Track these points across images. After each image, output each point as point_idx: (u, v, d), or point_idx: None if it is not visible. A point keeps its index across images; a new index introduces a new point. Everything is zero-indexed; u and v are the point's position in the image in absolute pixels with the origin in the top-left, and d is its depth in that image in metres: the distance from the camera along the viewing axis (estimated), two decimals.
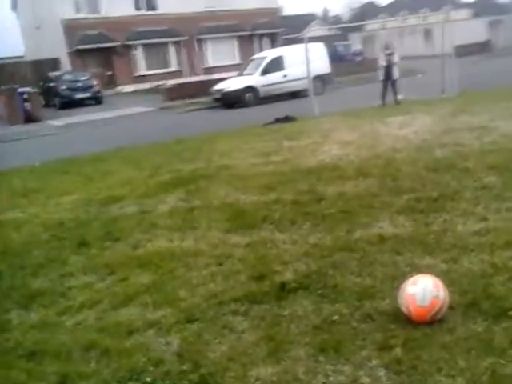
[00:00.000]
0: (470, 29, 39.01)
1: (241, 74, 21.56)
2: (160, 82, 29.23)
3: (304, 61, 14.69)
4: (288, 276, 3.56)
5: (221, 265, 3.94)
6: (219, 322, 3.09)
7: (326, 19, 74.07)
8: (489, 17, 44.27)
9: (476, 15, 50.36)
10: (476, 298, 2.96)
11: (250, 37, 36.35)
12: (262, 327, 2.98)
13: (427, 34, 42.28)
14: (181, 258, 4.17)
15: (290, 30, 36.93)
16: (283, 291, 3.36)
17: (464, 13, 60.56)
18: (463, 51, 28.35)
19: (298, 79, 18.59)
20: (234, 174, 6.92)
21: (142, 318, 3.25)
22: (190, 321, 3.15)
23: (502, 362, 2.42)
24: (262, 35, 36.53)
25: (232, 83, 20.36)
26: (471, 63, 25.12)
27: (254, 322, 3.05)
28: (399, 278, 3.28)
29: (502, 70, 21.03)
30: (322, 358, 2.61)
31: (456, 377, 2.35)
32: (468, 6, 69.84)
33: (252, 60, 22.49)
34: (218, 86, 20.78)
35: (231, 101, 19.36)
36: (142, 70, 32.47)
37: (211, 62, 35.02)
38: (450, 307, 2.88)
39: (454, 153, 6.51)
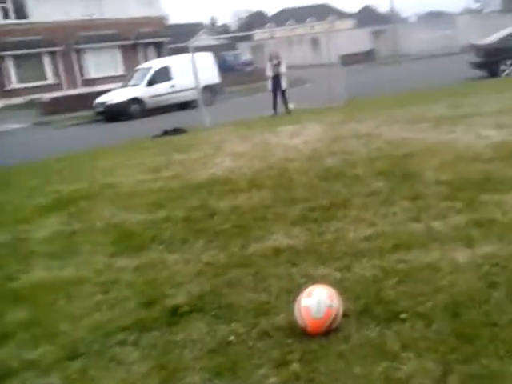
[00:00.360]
0: (354, 38, 41.68)
1: (125, 86, 21.18)
2: (35, 96, 27.79)
3: (192, 71, 14.76)
4: (180, 299, 3.50)
5: (106, 292, 3.78)
6: (106, 355, 2.95)
7: (213, 28, 75.24)
8: (372, 27, 47.60)
9: (360, 25, 53.96)
10: (368, 303, 3.11)
11: (134, 46, 35.85)
12: (154, 356, 2.89)
13: (314, 43, 44.48)
14: (61, 287, 3.94)
15: (177, 39, 36.99)
16: (175, 315, 3.29)
17: (348, 23, 64.64)
18: (348, 60, 30.25)
19: (187, 90, 18.64)
20: (119, 193, 6.72)
21: (18, 359, 3.01)
22: (72, 357, 2.97)
23: (395, 365, 2.55)
24: (146, 44, 36.19)
25: (116, 95, 19.91)
26: (357, 72, 26.79)
27: (144, 352, 2.95)
28: (294, 290, 3.35)
29: (385, 77, 22.72)
30: (217, 382, 2.58)
31: None
32: (352, 16, 74.79)
33: (137, 70, 22.20)
34: (100, 99, 20.20)
35: (116, 114, 18.89)
36: (14, 83, 30.65)
37: (92, 73, 33.98)
38: (345, 315, 3.00)
39: (343, 161, 6.86)
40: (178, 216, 5.33)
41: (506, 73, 16.75)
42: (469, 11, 58.53)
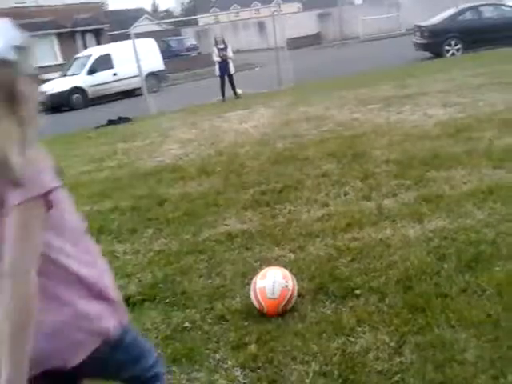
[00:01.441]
0: (300, 22, 41.92)
1: (65, 75, 20.58)
2: None
3: (135, 58, 14.49)
4: (132, 289, 3.47)
5: None
6: None
7: (155, 14, 73.94)
8: (318, 9, 47.97)
9: (305, 8, 54.29)
10: (323, 282, 3.18)
11: (72, 34, 34.78)
12: None
13: (261, 27, 44.46)
14: None
15: (117, 25, 36.11)
16: (128, 306, 3.24)
17: (294, 6, 64.87)
18: (296, 44, 30.47)
19: (130, 77, 18.34)
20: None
21: None
22: None
23: (351, 339, 2.63)
24: (85, 32, 35.18)
25: (55, 85, 19.31)
26: (304, 55, 27.01)
27: None
28: (249, 273, 3.39)
29: (333, 60, 23.00)
30: (175, 369, 2.59)
31: (310, 362, 2.50)
32: None
33: (76, 59, 21.60)
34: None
35: (56, 104, 18.32)
36: None
37: None
38: (300, 295, 3.06)
39: (293, 144, 6.94)
40: (125, 205, 5.26)
41: (450, 53, 17.27)
42: None
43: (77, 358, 1.38)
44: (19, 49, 1.25)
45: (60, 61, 32.49)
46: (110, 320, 1.45)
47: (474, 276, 2.98)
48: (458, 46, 17.22)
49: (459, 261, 3.17)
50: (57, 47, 34.32)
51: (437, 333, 2.55)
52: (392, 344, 2.54)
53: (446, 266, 3.15)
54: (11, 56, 1.23)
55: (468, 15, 17.95)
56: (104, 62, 19.88)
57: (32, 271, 1.22)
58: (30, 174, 1.21)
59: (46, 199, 1.26)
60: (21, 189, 1.20)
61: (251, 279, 3.15)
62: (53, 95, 18.62)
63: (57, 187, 1.29)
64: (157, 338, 2.88)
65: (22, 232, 1.21)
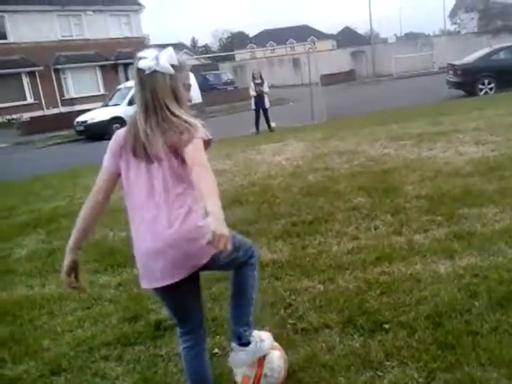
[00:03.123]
0: (334, 59, 42.38)
1: (106, 105, 21.17)
2: (14, 116, 27.62)
3: None
4: (164, 313, 3.49)
5: (89, 308, 3.77)
6: (89, 371, 2.94)
7: (194, 49, 75.85)
8: (352, 47, 48.46)
9: (340, 46, 54.83)
10: (352, 314, 3.15)
11: (115, 66, 35.96)
12: (138, 370, 2.89)
13: (295, 63, 45.09)
14: (43, 304, 3.92)
15: None
16: (159, 330, 3.30)
17: (328, 43, 65.69)
18: (330, 80, 30.75)
19: None
20: None
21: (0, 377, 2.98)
22: (55, 373, 2.96)
23: (380, 373, 2.59)
24: (127, 64, 36.30)
25: (97, 114, 19.90)
26: (338, 91, 27.19)
27: (128, 366, 2.95)
28: (279, 303, 3.39)
29: (366, 97, 23.08)
30: None
31: None
32: (332, 37, 76.03)
33: (118, 90, 22.21)
34: (81, 118, 20.16)
35: (96, 132, 18.87)
36: None
37: (72, 92, 33.97)
38: (329, 327, 3.04)
39: (325, 177, 6.95)
40: None
41: (483, 92, 17.16)
42: (446, 33, 59.97)
43: (207, 257, 2.09)
44: (175, 66, 2.07)
45: (102, 91, 33.56)
46: None
47: (505, 314, 2.91)
48: (492, 85, 17.11)
49: (490, 299, 3.11)
50: (100, 78, 35.49)
51: (466, 370, 2.50)
52: (421, 380, 2.49)
53: (476, 303, 3.09)
54: (171, 70, 2.06)
55: (502, 55, 17.87)
56: None
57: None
58: (197, 124, 2.06)
59: (206, 143, 2.05)
60: (193, 131, 2.02)
61: (280, 309, 3.15)
62: (94, 124, 19.20)
63: (211, 139, 2.10)
64: None
65: (199, 149, 2.00)
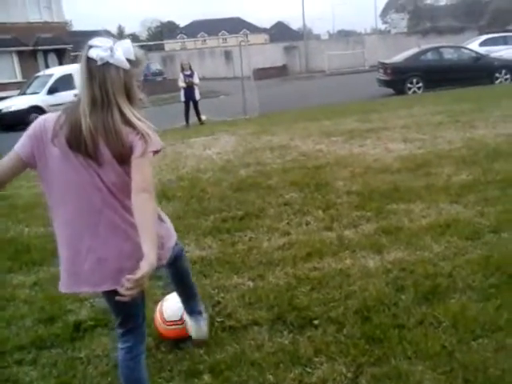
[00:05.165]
0: (267, 53, 42.69)
1: (23, 93, 20.28)
2: None
3: None
4: (83, 314, 3.39)
5: (1, 310, 3.57)
6: (1, 376, 2.79)
7: (121, 37, 73.96)
8: (285, 42, 49.03)
9: (272, 40, 55.34)
10: (281, 311, 3.18)
11: (34, 52, 34.40)
12: (54, 374, 2.77)
13: (227, 56, 45.03)
14: None
15: (81, 46, 35.92)
16: (78, 331, 3.18)
17: (261, 37, 66.11)
18: (262, 74, 30.97)
19: None
20: (14, 205, 6.40)
21: None
22: None
23: (308, 370, 2.63)
24: (47, 51, 34.85)
25: (13, 103, 19.02)
26: (270, 86, 27.43)
27: (44, 371, 2.82)
28: (206, 301, 3.36)
29: (298, 92, 23.43)
30: None
31: None
32: (265, 31, 76.59)
33: (37, 77, 21.32)
34: None
35: (12, 122, 17.99)
36: None
37: None
38: (258, 324, 3.05)
39: (257, 172, 6.98)
40: None
41: (411, 91, 17.87)
42: (377, 32, 62.02)
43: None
44: (131, 61, 1.95)
45: (19, 79, 32.02)
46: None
47: (430, 308, 3.04)
48: (420, 85, 17.84)
49: (416, 292, 3.23)
50: (17, 65, 33.83)
51: (393, 364, 2.58)
52: (349, 375, 2.55)
53: (403, 297, 3.20)
54: (127, 65, 1.94)
55: (429, 55, 18.70)
56: (66, 82, 19.62)
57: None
58: (151, 134, 1.94)
59: (156, 152, 1.96)
60: (146, 143, 1.90)
61: (208, 307, 3.12)
62: (10, 113, 18.32)
63: (163, 147, 2.02)
64: (107, 365, 2.81)
65: (147, 166, 1.91)
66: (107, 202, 1.96)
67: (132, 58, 1.96)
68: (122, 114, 1.92)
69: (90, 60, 1.92)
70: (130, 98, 1.99)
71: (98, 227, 1.97)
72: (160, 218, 2.17)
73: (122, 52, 1.93)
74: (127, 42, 1.99)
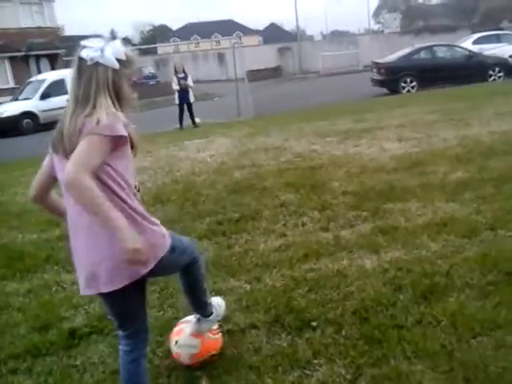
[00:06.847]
0: (260, 55, 42.72)
1: (16, 99, 20.23)
2: None
3: None
4: (78, 321, 3.35)
5: None
6: None
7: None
8: (278, 44, 49.08)
9: (266, 42, 55.34)
10: (279, 313, 3.15)
11: (26, 58, 34.30)
12: (50, 383, 2.74)
13: (221, 58, 45.07)
14: None
15: (73, 51, 35.83)
16: (74, 338, 3.14)
17: (254, 39, 66.14)
18: (256, 76, 30.96)
19: None
20: (7, 212, 6.36)
21: None
22: None
23: (307, 372, 2.60)
24: (39, 56, 34.76)
25: (5, 109, 18.95)
26: (264, 87, 27.45)
27: (39, 379, 2.79)
28: None
29: (292, 93, 23.45)
30: None
31: None
32: (258, 33, 76.69)
33: (29, 83, 21.27)
34: None
35: (4, 128, 17.95)
36: None
37: None
38: (255, 327, 3.02)
39: (252, 173, 6.96)
40: None
41: (405, 90, 17.90)
42: (370, 32, 62.16)
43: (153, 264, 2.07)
44: (121, 61, 2.00)
45: (12, 85, 31.93)
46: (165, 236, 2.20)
47: (428, 307, 3.02)
48: (414, 84, 17.87)
49: (414, 292, 3.21)
50: (9, 71, 33.72)
51: (393, 365, 2.56)
52: (348, 377, 2.52)
53: (401, 297, 3.18)
54: (116, 65, 1.97)
55: (423, 54, 18.74)
56: (58, 87, 19.59)
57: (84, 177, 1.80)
58: (108, 122, 1.88)
59: (114, 141, 1.90)
60: (96, 125, 1.86)
61: None
62: (3, 119, 18.25)
63: (124, 136, 1.94)
64: (104, 372, 2.78)
65: (84, 151, 1.84)
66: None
67: (122, 57, 2.01)
68: (94, 106, 1.93)
69: (81, 60, 1.99)
70: (120, 97, 2.03)
71: (84, 229, 2.00)
72: (152, 223, 2.16)
73: (112, 52, 1.98)
74: (117, 43, 2.04)
